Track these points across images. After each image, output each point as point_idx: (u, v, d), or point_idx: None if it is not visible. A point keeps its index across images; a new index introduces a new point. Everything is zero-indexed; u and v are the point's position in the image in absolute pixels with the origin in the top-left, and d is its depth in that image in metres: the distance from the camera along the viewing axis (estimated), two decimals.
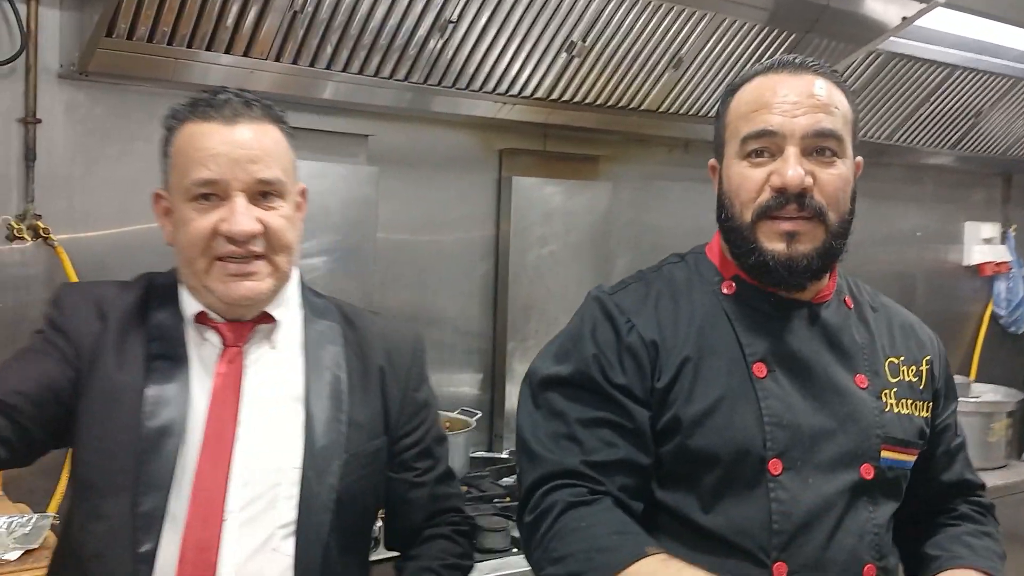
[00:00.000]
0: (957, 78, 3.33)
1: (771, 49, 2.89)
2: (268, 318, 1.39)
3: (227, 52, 2.23)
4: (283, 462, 1.33)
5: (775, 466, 1.29)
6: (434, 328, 2.85)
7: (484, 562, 2.02)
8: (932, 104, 3.42)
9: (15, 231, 2.18)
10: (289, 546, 1.31)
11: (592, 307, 1.40)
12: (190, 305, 1.38)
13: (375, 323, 1.52)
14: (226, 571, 1.27)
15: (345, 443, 1.37)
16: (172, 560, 1.25)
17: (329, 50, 2.33)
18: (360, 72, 2.42)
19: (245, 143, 1.31)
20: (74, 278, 2.19)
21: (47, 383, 1.29)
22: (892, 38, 2.99)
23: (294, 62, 2.32)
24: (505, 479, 2.60)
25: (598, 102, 2.84)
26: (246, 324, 1.38)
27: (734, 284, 1.40)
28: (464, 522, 1.57)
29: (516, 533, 2.16)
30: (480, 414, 2.67)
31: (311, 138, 2.56)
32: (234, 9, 2.15)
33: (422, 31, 2.38)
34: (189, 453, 1.29)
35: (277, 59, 2.30)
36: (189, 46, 2.18)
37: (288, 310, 1.43)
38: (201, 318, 1.37)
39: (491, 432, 2.97)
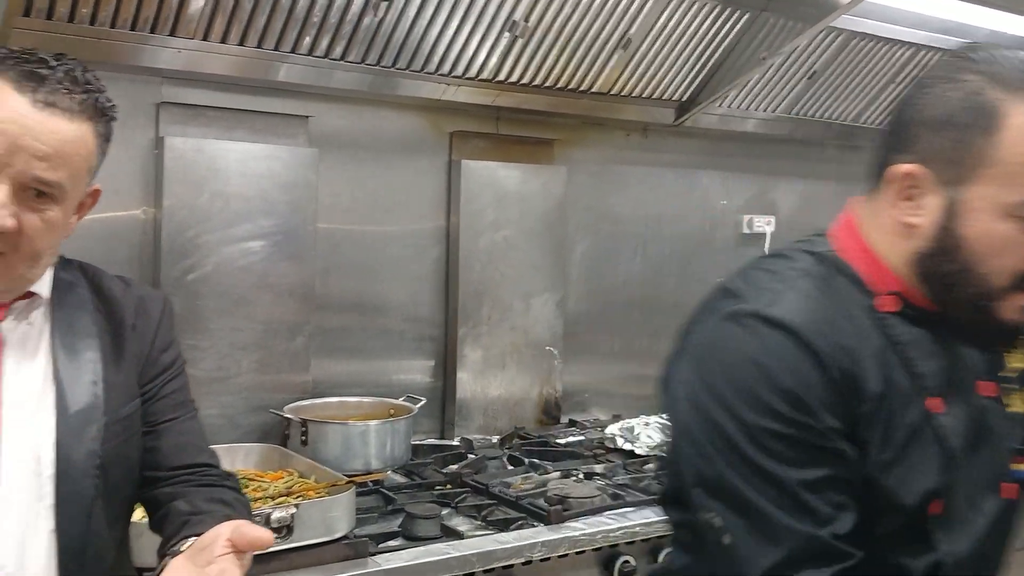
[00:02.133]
0: (922, 58, 3.26)
1: (724, 28, 2.84)
2: (27, 294, 1.31)
3: (153, 32, 2.18)
4: (40, 437, 1.26)
5: (936, 506, 1.16)
6: (381, 315, 2.81)
7: (410, 549, 1.97)
8: (898, 84, 3.36)
9: None
10: (49, 521, 1.24)
11: (762, 332, 1.13)
12: None
13: (121, 285, 1.43)
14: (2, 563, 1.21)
15: (104, 406, 1.30)
16: None
17: (261, 26, 2.28)
18: (296, 51, 2.37)
19: (40, 135, 1.17)
20: None
21: None
22: (853, 17, 2.93)
23: (224, 41, 2.27)
24: (450, 466, 2.56)
25: (547, 84, 2.78)
26: (1, 304, 1.29)
27: (897, 300, 1.20)
28: (229, 481, 1.45)
29: (449, 521, 2.14)
30: (424, 401, 2.63)
31: (249, 119, 2.52)
32: None
33: (355, 7, 2.33)
34: None
35: (205, 38, 2.25)
36: (112, 26, 2.14)
37: (42, 284, 1.34)
38: None
39: (443, 419, 2.93)
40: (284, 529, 1.80)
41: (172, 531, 1.27)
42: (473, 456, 2.66)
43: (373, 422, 2.41)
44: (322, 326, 2.67)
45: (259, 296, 2.51)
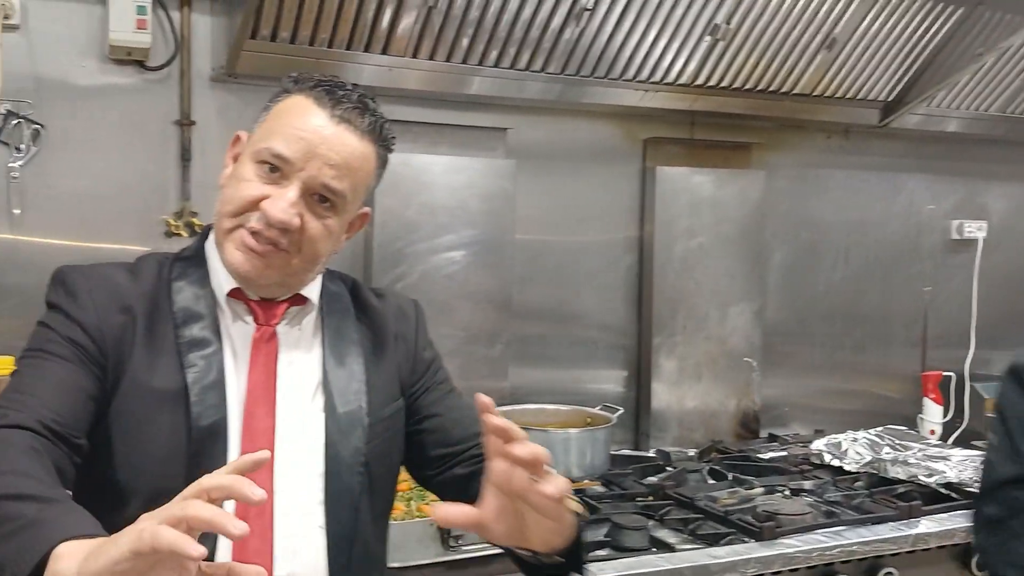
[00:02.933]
0: None
1: (935, 25, 2.69)
2: (301, 299, 1.37)
3: (366, 51, 2.27)
4: (313, 440, 1.31)
5: None
6: (575, 324, 2.82)
7: (621, 559, 1.95)
8: None
9: (172, 228, 2.29)
10: (320, 517, 1.29)
11: None
12: (223, 280, 1.33)
13: (378, 292, 1.50)
14: (278, 554, 1.25)
15: (367, 408, 1.35)
16: (227, 552, 1.22)
17: (465, 43, 2.34)
18: (496, 65, 2.42)
19: (334, 146, 1.27)
20: None
21: (84, 395, 1.22)
22: None
23: (430, 58, 2.34)
24: (649, 478, 2.52)
25: (747, 86, 2.72)
26: (279, 304, 1.35)
27: None
28: None
29: (656, 533, 2.10)
30: (622, 410, 2.60)
31: (450, 133, 2.58)
32: (371, 9, 2.19)
33: (557, 20, 2.35)
34: (232, 440, 1.26)
35: (415, 56, 2.32)
36: (329, 47, 2.23)
37: (314, 291, 1.39)
38: (235, 294, 1.33)
39: (636, 430, 2.90)
40: None
41: None
42: (672, 469, 2.61)
43: (574, 430, 2.41)
44: (519, 334, 2.70)
45: (460, 304, 2.57)
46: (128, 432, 1.23)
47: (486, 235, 2.59)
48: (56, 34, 2.20)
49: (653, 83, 2.63)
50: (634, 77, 2.58)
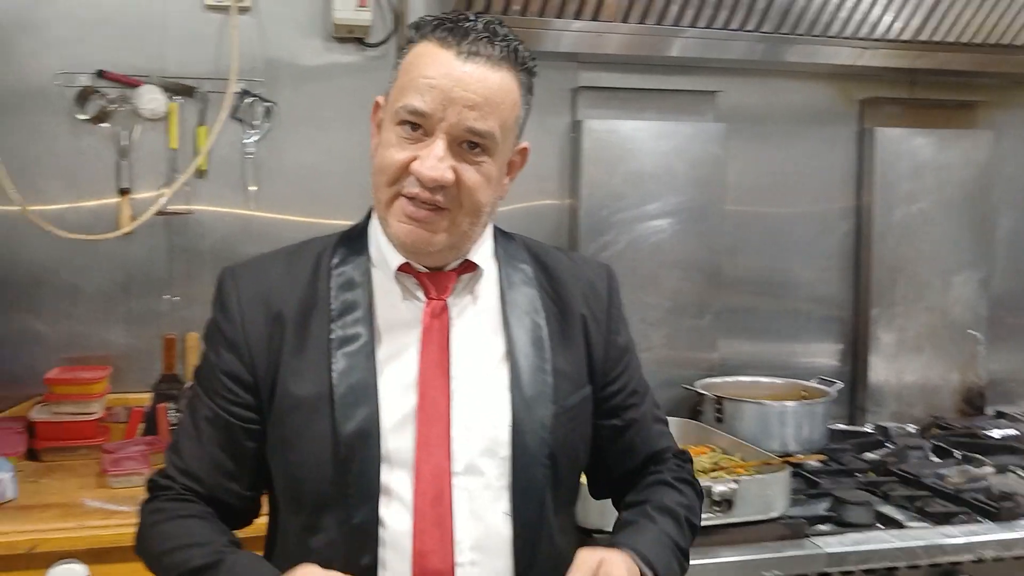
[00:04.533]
0: None
1: None
2: (471, 266, 1.28)
3: (577, 18, 2.26)
4: (496, 419, 1.23)
5: None
6: (787, 294, 2.73)
7: (848, 534, 1.89)
8: None
9: None
10: (506, 504, 1.21)
11: None
12: (390, 257, 1.26)
13: (566, 262, 1.37)
14: (460, 538, 1.19)
15: (552, 394, 1.24)
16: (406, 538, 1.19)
17: (677, 7, 2.29)
18: (709, 26, 2.35)
19: (469, 85, 1.17)
20: None
21: (240, 451, 1.25)
22: None
23: (642, 22, 2.30)
24: (867, 453, 2.42)
25: (975, 40, 2.53)
26: (449, 274, 1.27)
27: None
28: (684, 468, 1.39)
29: (880, 508, 2.01)
30: (840, 384, 2.51)
31: (657, 98, 2.54)
32: None
33: None
34: (395, 432, 1.20)
35: (625, 20, 2.29)
36: (541, 15, 2.24)
37: (485, 256, 1.31)
38: (405, 268, 1.26)
39: (852, 404, 2.78)
40: (724, 504, 1.79)
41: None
42: (892, 445, 2.49)
43: (791, 403, 2.34)
44: (727, 305, 2.64)
45: (668, 273, 2.53)
46: (284, 443, 1.22)
47: (694, 202, 2.54)
48: (283, 15, 2.32)
49: (871, 40, 2.49)
50: (853, 34, 2.45)
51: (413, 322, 1.25)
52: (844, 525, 1.96)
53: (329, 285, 1.26)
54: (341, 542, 1.18)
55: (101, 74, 2.23)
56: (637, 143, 2.49)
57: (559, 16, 2.25)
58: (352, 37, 2.33)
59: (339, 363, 1.21)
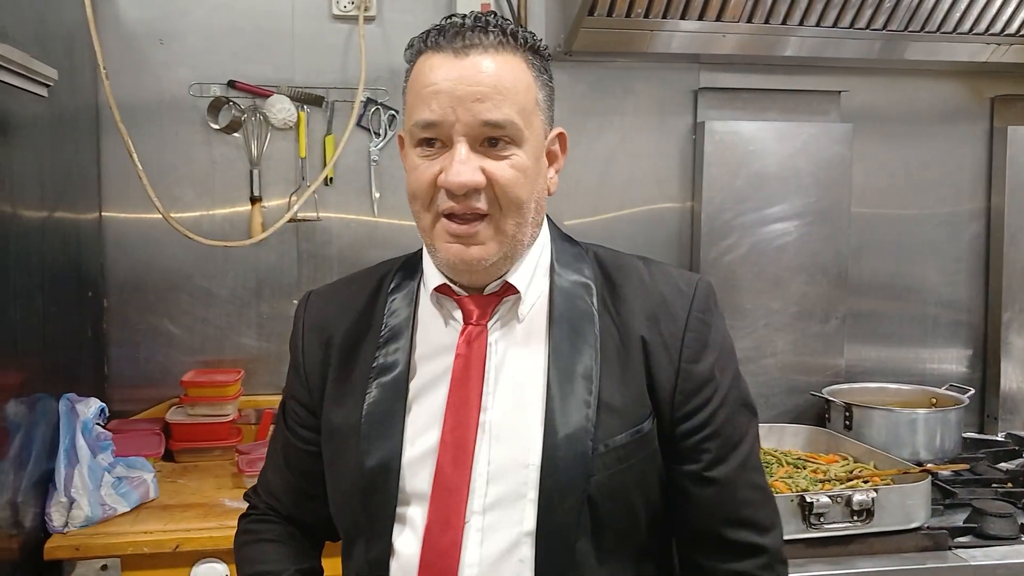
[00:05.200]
0: None
1: None
2: (512, 288, 1.17)
3: (700, 19, 2.24)
4: (527, 457, 1.12)
5: None
6: (913, 298, 2.65)
7: (993, 547, 1.82)
8: None
9: None
10: (526, 551, 1.10)
11: None
12: (432, 277, 1.19)
13: (640, 276, 1.20)
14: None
15: (594, 432, 1.10)
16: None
17: (802, 6, 2.24)
18: (834, 25, 2.30)
19: (471, 78, 1.09)
20: None
21: (313, 474, 1.25)
22: None
23: (767, 21, 2.26)
24: (1003, 463, 2.33)
25: None
26: (490, 297, 1.17)
27: None
28: (775, 565, 1.17)
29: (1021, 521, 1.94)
30: (972, 391, 2.42)
31: (781, 98, 2.50)
32: None
33: None
34: (415, 467, 1.14)
35: (749, 20, 2.26)
36: (664, 16, 2.22)
37: (534, 273, 1.19)
38: (443, 290, 1.18)
39: (982, 413, 2.68)
40: (864, 513, 1.74)
41: None
42: None
43: (922, 411, 2.26)
44: (853, 309, 2.57)
45: (793, 277, 2.48)
46: (327, 471, 1.22)
47: (820, 204, 2.48)
48: (406, 24, 2.35)
49: (1005, 35, 2.39)
50: (985, 30, 2.36)
51: (450, 348, 1.17)
52: (986, 537, 1.88)
53: (384, 311, 1.22)
54: (365, 574, 1.15)
55: (232, 84, 2.30)
56: (760, 144, 2.45)
57: (683, 17, 2.23)
58: None
59: (373, 393, 1.17)
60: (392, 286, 1.23)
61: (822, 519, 1.73)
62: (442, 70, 1.10)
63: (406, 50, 1.17)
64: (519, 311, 1.17)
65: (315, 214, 2.33)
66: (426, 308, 1.21)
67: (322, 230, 2.35)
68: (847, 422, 2.27)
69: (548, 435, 1.10)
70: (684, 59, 2.42)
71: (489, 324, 1.17)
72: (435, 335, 1.19)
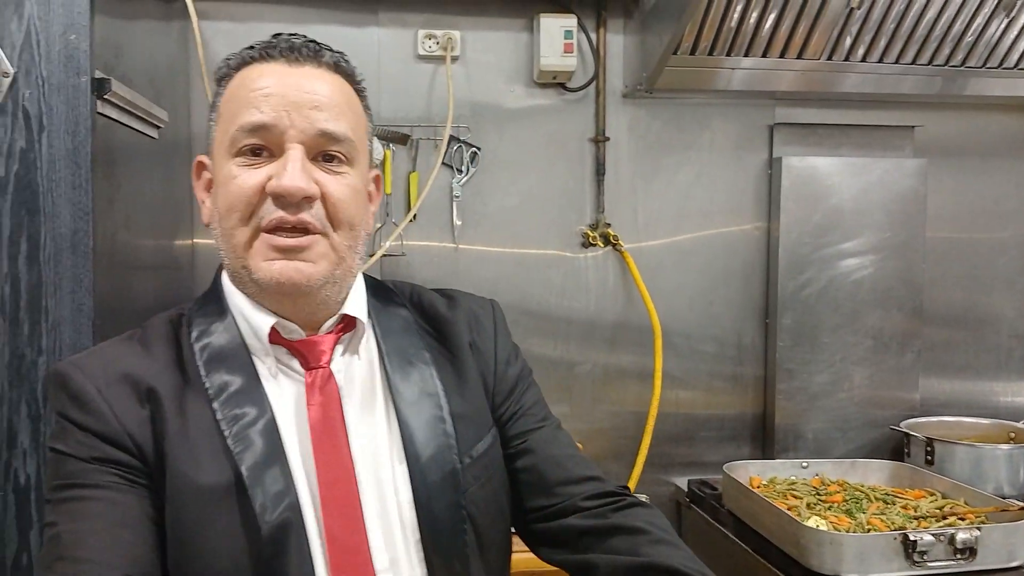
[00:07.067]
0: None
1: None
2: (349, 323, 1.11)
3: (782, 56, 2.27)
4: (399, 495, 1.06)
5: None
6: (988, 330, 2.66)
7: None
8: None
9: (590, 239, 2.42)
10: None
11: None
12: (257, 322, 1.07)
13: (443, 299, 1.22)
14: None
15: (456, 446, 1.08)
16: None
17: (880, 44, 2.27)
18: (897, 61, 2.33)
19: (307, 85, 1.02)
20: (640, 282, 2.38)
21: (146, 528, 0.99)
22: None
23: (846, 59, 2.30)
24: None
25: None
26: (325, 337, 1.09)
27: None
28: (638, 500, 1.18)
29: None
30: None
31: (855, 133, 2.52)
32: (791, 16, 2.18)
33: (944, 14, 2.24)
34: (310, 528, 1.02)
35: (829, 57, 2.29)
36: (746, 55, 2.25)
37: (360, 307, 1.14)
38: (274, 338, 1.07)
39: None
40: (968, 551, 1.75)
41: None
42: None
43: (1004, 446, 2.26)
44: (928, 342, 2.58)
45: (869, 311, 2.50)
46: (183, 543, 0.98)
47: (895, 238, 2.50)
48: (489, 63, 2.39)
49: None
50: None
51: (294, 400, 1.06)
52: None
53: (196, 361, 1.05)
54: None
55: None
56: (835, 179, 2.47)
57: (764, 55, 2.26)
58: (554, 83, 2.39)
59: (243, 442, 1.00)
60: (195, 334, 1.08)
61: (925, 556, 1.73)
62: (275, 76, 1.03)
63: (222, 63, 1.09)
64: (359, 347, 1.12)
65: (400, 249, 2.37)
66: (255, 351, 1.08)
67: (405, 264, 2.38)
68: (928, 457, 2.28)
69: (412, 462, 1.06)
70: (759, 96, 2.45)
71: (332, 367, 1.09)
72: (276, 384, 1.07)
